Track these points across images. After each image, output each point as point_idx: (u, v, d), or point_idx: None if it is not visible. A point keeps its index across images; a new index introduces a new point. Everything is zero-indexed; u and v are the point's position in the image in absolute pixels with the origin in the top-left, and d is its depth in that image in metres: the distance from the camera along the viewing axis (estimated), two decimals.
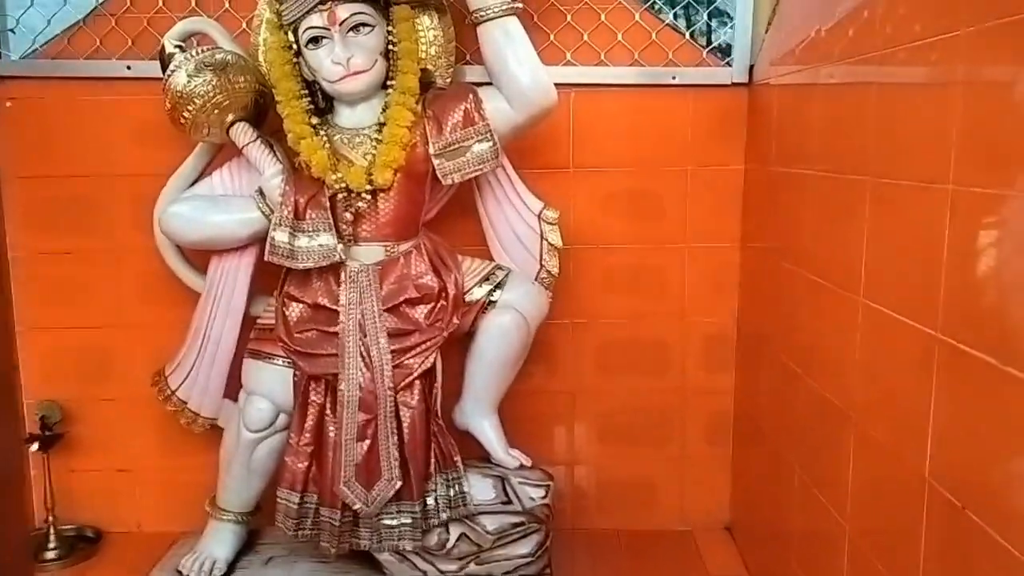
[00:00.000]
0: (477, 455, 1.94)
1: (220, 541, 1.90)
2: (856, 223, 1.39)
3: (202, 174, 1.91)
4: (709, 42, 2.09)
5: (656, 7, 2.05)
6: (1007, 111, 0.97)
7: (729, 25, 2.06)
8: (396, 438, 1.75)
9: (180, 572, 1.86)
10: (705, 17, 2.10)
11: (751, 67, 2.03)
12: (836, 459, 1.47)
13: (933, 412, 1.13)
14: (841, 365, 1.47)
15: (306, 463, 1.79)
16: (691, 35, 2.07)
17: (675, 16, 2.12)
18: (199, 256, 1.95)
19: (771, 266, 1.90)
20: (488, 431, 1.93)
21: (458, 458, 1.82)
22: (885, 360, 1.31)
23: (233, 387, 1.94)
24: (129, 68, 2.03)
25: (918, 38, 1.19)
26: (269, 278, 1.88)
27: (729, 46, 2.06)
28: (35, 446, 2.08)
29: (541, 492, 1.86)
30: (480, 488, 1.83)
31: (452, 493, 1.80)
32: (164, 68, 1.76)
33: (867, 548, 1.36)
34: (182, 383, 1.94)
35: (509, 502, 1.83)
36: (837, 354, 1.49)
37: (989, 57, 1.02)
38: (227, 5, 2.02)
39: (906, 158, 1.23)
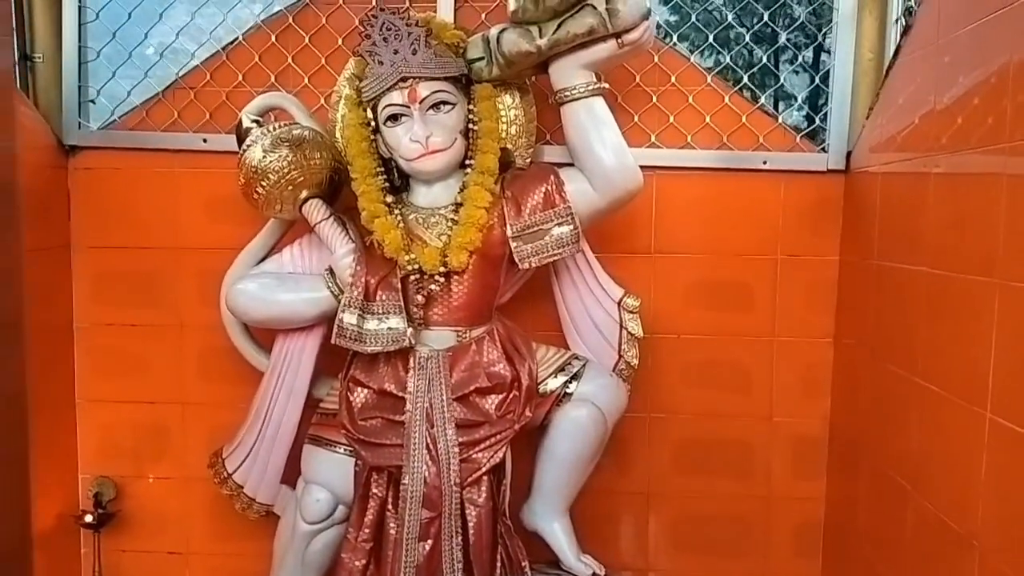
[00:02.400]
0: (546, 559, 1.81)
1: None
2: (982, 328, 1.25)
3: (272, 250, 1.86)
4: (802, 128, 1.99)
5: (747, 90, 1.97)
6: None
7: (823, 111, 1.96)
8: (460, 539, 1.64)
9: None
10: (799, 101, 2.00)
11: (848, 154, 1.92)
12: None
13: None
14: (962, 485, 1.31)
15: (364, 561, 1.68)
16: (785, 118, 1.98)
17: (774, 101, 2.03)
18: (264, 334, 1.89)
19: (871, 366, 1.75)
20: (559, 534, 1.79)
21: (526, 563, 1.70)
22: (1018, 484, 1.15)
23: (292, 473, 1.85)
24: (205, 141, 2.02)
25: None
26: (335, 359, 1.81)
27: (819, 131, 1.96)
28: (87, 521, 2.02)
29: None
30: None
31: None
32: (240, 142, 1.74)
33: None
34: (240, 466, 1.86)
35: None
36: (957, 472, 1.33)
37: None
38: (306, 81, 2.00)
39: None
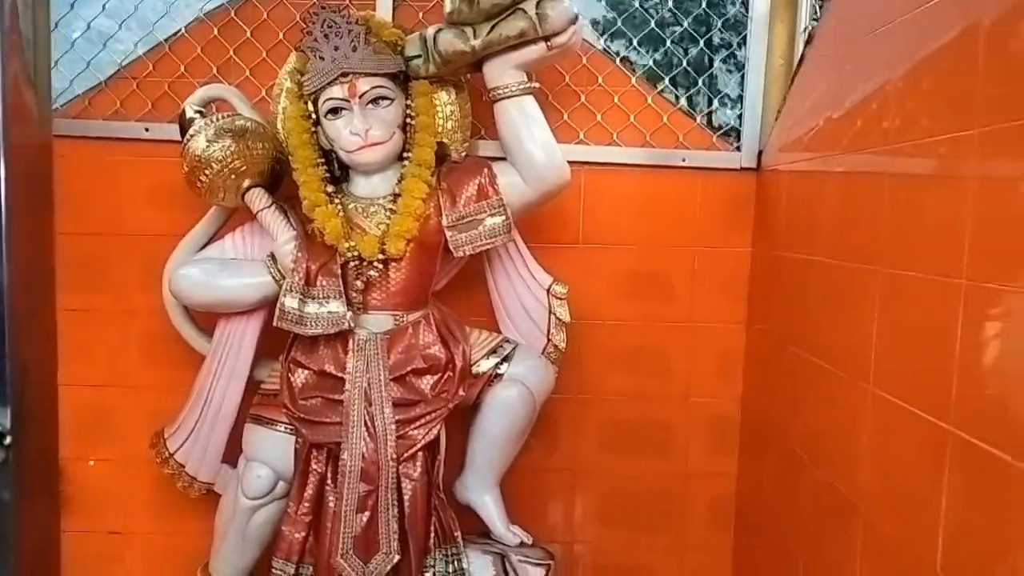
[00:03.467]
0: (478, 530, 1.91)
1: None
2: (866, 312, 1.40)
3: (214, 237, 1.92)
4: (714, 129, 2.13)
5: (668, 91, 2.10)
6: (1021, 209, 0.99)
7: (738, 111, 2.10)
8: (396, 510, 1.73)
9: None
10: (716, 103, 2.14)
11: (760, 153, 2.06)
12: (843, 550, 1.45)
13: (945, 506, 1.13)
14: (849, 454, 1.46)
15: (303, 533, 1.76)
16: (702, 119, 2.11)
17: (688, 101, 2.16)
18: (206, 318, 1.95)
19: (777, 349, 1.90)
20: (490, 506, 1.90)
21: (458, 533, 1.79)
22: (896, 451, 1.30)
23: (232, 452, 1.91)
24: (147, 130, 2.06)
25: (929, 133, 1.22)
26: (275, 342, 1.88)
27: (739, 131, 2.10)
28: None
29: (541, 571, 1.83)
30: (479, 565, 1.80)
31: (451, 569, 1.77)
32: (183, 132, 1.79)
33: None
34: (181, 446, 1.92)
35: None
36: (845, 443, 1.48)
37: (1001, 155, 1.04)
38: (247, 73, 2.06)
39: (918, 251, 1.25)
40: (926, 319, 1.20)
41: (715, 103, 2.21)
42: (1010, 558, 0.99)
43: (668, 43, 2.11)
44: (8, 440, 0.76)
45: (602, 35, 2.17)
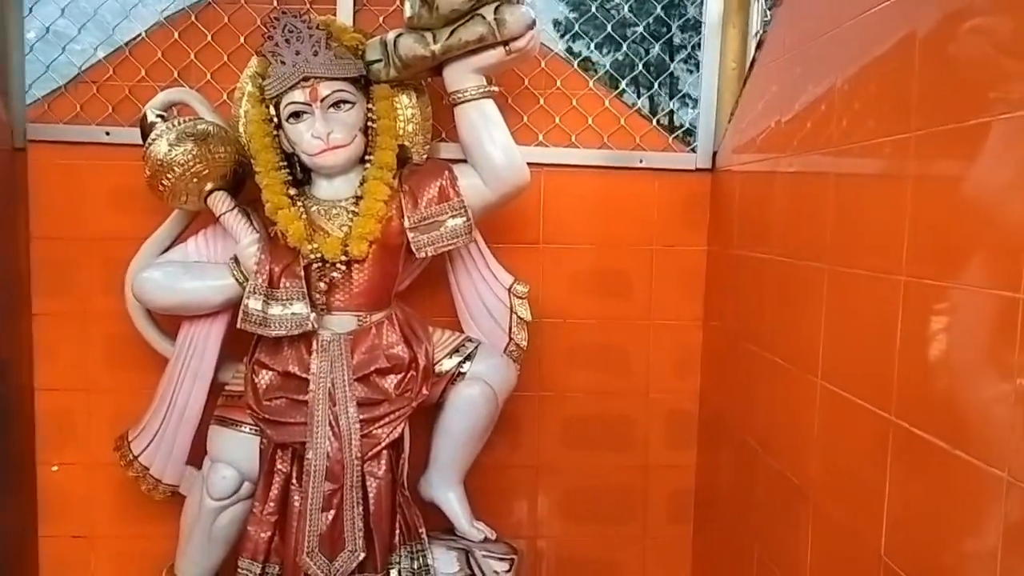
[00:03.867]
0: (442, 527, 1.94)
1: None
2: (814, 307, 1.45)
3: (177, 240, 1.93)
4: (675, 128, 2.19)
5: (627, 93, 2.15)
6: (955, 209, 1.05)
7: (695, 113, 2.16)
8: (361, 508, 1.75)
9: None
10: (672, 105, 2.19)
11: (714, 154, 2.12)
12: (794, 537, 1.51)
13: (888, 492, 1.18)
14: (799, 444, 1.51)
15: (269, 532, 1.78)
16: (658, 122, 2.16)
17: (650, 101, 2.22)
18: (169, 321, 1.95)
19: (731, 345, 1.96)
20: (453, 503, 1.93)
21: (423, 530, 1.82)
22: (842, 441, 1.36)
23: (197, 454, 1.92)
24: (108, 134, 2.06)
25: (873, 135, 1.28)
26: (239, 345, 1.89)
27: (694, 132, 2.16)
28: None
29: (505, 566, 1.86)
30: (444, 561, 1.83)
31: (416, 565, 1.80)
32: (145, 136, 1.80)
33: None
34: (145, 448, 1.92)
35: (473, 575, 1.83)
36: (795, 433, 1.54)
37: (938, 157, 1.10)
38: (208, 77, 2.07)
39: (861, 248, 1.30)
40: (869, 314, 1.26)
41: (674, 103, 2.25)
42: (949, 541, 1.04)
43: (626, 44, 2.16)
44: None
45: (563, 36, 2.21)
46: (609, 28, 2.14)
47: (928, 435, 1.08)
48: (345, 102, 1.78)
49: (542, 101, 2.11)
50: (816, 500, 1.44)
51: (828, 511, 1.39)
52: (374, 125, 1.83)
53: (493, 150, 1.81)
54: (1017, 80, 0.93)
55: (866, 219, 1.30)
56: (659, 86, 2.20)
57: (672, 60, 2.20)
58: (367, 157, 1.83)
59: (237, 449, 1.81)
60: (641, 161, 2.13)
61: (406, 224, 1.81)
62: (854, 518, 1.29)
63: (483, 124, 1.81)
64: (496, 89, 1.83)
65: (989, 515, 0.94)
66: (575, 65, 2.14)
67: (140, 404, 1.97)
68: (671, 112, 2.25)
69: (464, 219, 1.81)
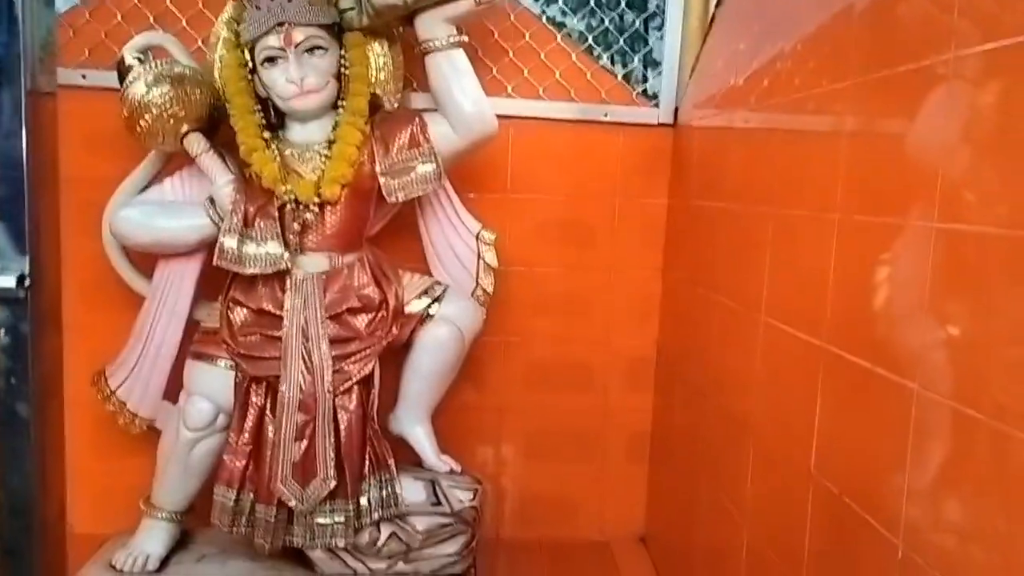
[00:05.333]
0: (410, 460, 2.03)
1: (154, 538, 1.94)
2: (760, 250, 1.55)
3: (153, 181, 1.98)
4: (638, 83, 2.26)
5: (593, 50, 2.22)
6: (882, 151, 1.14)
7: (658, 70, 2.24)
8: (333, 439, 1.83)
9: (113, 566, 1.89)
10: (636, 62, 2.26)
11: (676, 109, 2.20)
12: (737, 465, 1.62)
13: (819, 413, 1.28)
14: (744, 381, 1.62)
15: (244, 461, 1.85)
16: (624, 78, 2.24)
17: (611, 60, 2.29)
18: (145, 261, 2.01)
19: (688, 293, 2.06)
20: (421, 437, 2.02)
21: (392, 461, 1.90)
22: (780, 372, 1.46)
23: (173, 389, 1.99)
24: (84, 77, 2.09)
25: (817, 87, 1.37)
26: (214, 284, 1.96)
27: (657, 88, 2.24)
28: None
29: (470, 495, 1.96)
30: (411, 490, 1.92)
31: (384, 494, 1.89)
32: (122, 79, 1.84)
33: (762, 543, 1.50)
34: (123, 383, 1.99)
35: (439, 504, 1.92)
36: (741, 371, 1.64)
37: (870, 105, 1.19)
38: (184, 23, 2.10)
39: (802, 191, 1.40)
40: (807, 251, 1.35)
41: (636, 61, 2.32)
42: (868, 450, 1.14)
43: (594, 4, 2.23)
44: (28, 282, 0.87)
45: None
46: None
47: (853, 356, 1.18)
48: (319, 48, 1.83)
49: (511, 54, 2.17)
50: (756, 430, 1.54)
51: (766, 436, 1.50)
52: (347, 72, 1.88)
53: (463, 99, 1.88)
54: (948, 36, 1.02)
55: (808, 164, 1.39)
56: (625, 44, 2.26)
57: (647, 27, 2.27)
58: (340, 103, 1.89)
59: (213, 382, 1.88)
60: (606, 115, 2.21)
61: (377, 169, 1.87)
62: (788, 441, 1.39)
63: (453, 73, 1.88)
64: (466, 39, 1.90)
65: (901, 423, 1.04)
66: (543, 20, 2.20)
67: (116, 342, 2.02)
68: (631, 72, 2.31)
69: (434, 166, 1.88)
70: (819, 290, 1.28)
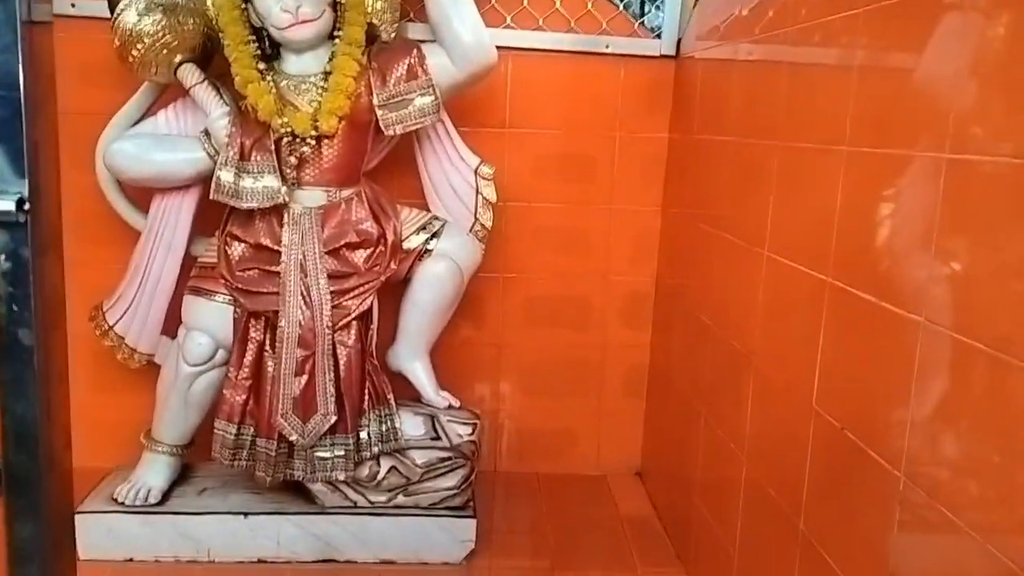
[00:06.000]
0: (409, 396, 2.04)
1: (155, 471, 1.95)
2: (765, 184, 1.53)
3: (147, 113, 1.94)
4: (643, 14, 2.21)
5: None
6: (892, 82, 1.12)
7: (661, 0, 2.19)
8: (333, 374, 1.84)
9: (115, 499, 1.91)
10: None
11: (679, 41, 2.16)
12: (737, 400, 1.63)
13: (821, 347, 1.29)
14: (746, 315, 1.62)
15: (244, 396, 1.86)
16: (626, 8, 2.19)
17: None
18: (140, 195, 1.98)
19: (689, 229, 2.04)
20: (420, 372, 2.03)
21: (391, 396, 1.92)
22: (783, 306, 1.46)
23: (171, 324, 1.99)
24: (74, 6, 2.03)
25: (822, 14, 1.33)
26: (210, 219, 1.93)
27: (659, 17, 2.19)
28: None
29: (468, 429, 1.98)
30: (411, 424, 1.93)
31: (384, 428, 1.90)
32: (112, 7, 1.79)
33: (761, 476, 1.52)
34: (120, 318, 1.98)
35: (438, 438, 1.94)
36: (743, 304, 1.64)
37: (880, 36, 1.16)
38: None
39: (809, 123, 1.38)
40: (814, 184, 1.34)
41: None
42: (872, 384, 1.15)
43: None
44: (27, 206, 0.85)
45: None
46: None
47: (859, 291, 1.18)
48: None
49: None
50: (757, 363, 1.55)
51: (767, 371, 1.51)
52: (343, 1, 1.83)
53: (461, 28, 1.84)
54: None
55: (816, 98, 1.36)
56: None
57: None
58: (336, 33, 1.84)
59: (212, 317, 1.87)
60: (607, 47, 2.17)
61: (375, 101, 1.84)
62: (790, 374, 1.40)
63: (451, 3, 1.84)
64: None
65: (905, 357, 1.05)
66: None
67: (113, 277, 2.01)
68: (642, 6, 2.26)
69: (432, 98, 1.85)
70: (825, 224, 1.27)
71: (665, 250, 2.26)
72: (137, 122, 1.93)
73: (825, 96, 1.32)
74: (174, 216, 1.93)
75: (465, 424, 1.98)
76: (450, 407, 2.02)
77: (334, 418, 1.83)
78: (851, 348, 1.21)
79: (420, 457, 1.90)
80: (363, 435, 1.88)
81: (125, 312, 1.98)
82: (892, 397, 1.09)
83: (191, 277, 1.93)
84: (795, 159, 1.42)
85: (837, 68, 1.29)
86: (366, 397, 1.88)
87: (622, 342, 2.35)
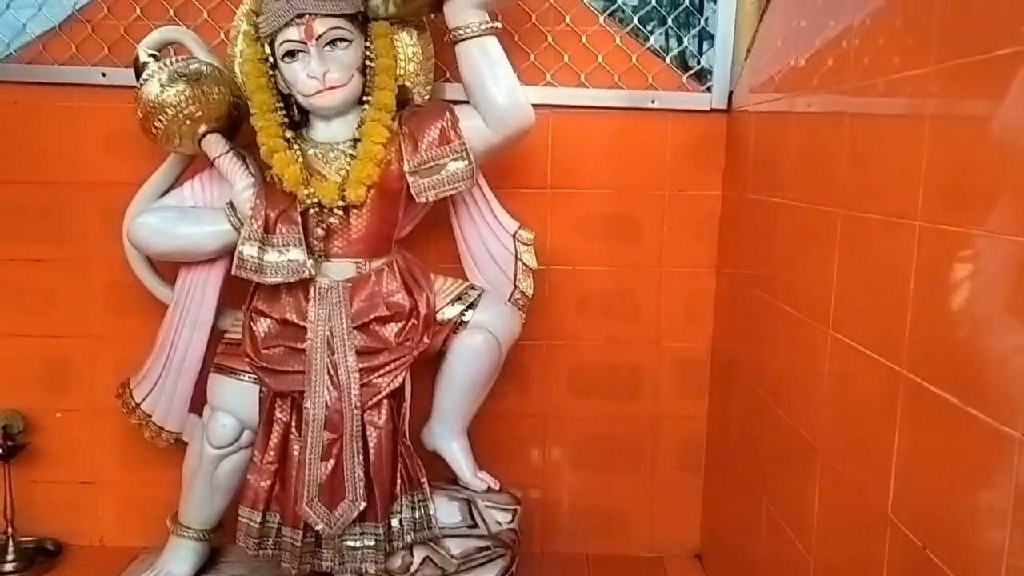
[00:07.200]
0: (445, 477, 1.92)
1: (180, 558, 1.87)
2: (827, 254, 1.38)
3: (173, 185, 1.89)
4: (688, 67, 2.09)
5: (638, 31, 2.05)
6: (973, 149, 0.97)
7: (709, 49, 2.06)
8: (361, 458, 1.73)
9: None
10: (686, 43, 2.08)
11: (730, 94, 2.03)
12: (802, 491, 1.46)
13: (897, 449, 1.12)
14: (809, 396, 1.46)
15: (269, 481, 1.76)
16: (672, 59, 2.07)
17: (665, 36, 2.11)
18: (168, 267, 1.92)
19: (745, 293, 1.89)
20: (456, 453, 1.90)
21: (424, 480, 1.80)
22: (852, 393, 1.30)
23: (199, 401, 1.91)
24: (104, 75, 2.01)
25: (893, 71, 1.19)
26: (238, 291, 1.86)
27: (710, 70, 2.06)
28: None
29: (508, 516, 1.84)
30: (446, 511, 1.81)
31: (417, 515, 1.78)
32: (138, 77, 1.75)
33: None
34: (147, 396, 1.91)
35: (475, 526, 1.81)
36: (805, 385, 1.48)
37: (958, 93, 1.02)
38: (206, 15, 2.00)
39: (876, 192, 1.23)
40: (882, 261, 1.19)
41: (689, 40, 2.13)
42: (958, 501, 0.99)
43: None
44: None
45: None
46: None
47: (939, 390, 1.02)
48: (342, 40, 1.71)
49: (550, 39, 2.02)
50: (824, 454, 1.39)
51: (836, 466, 1.34)
52: (372, 64, 1.75)
53: (496, 90, 1.74)
54: None
55: (881, 161, 1.22)
56: (675, 24, 2.08)
57: (703, 5, 2.09)
58: (365, 98, 1.76)
59: (236, 397, 1.79)
60: (654, 102, 2.04)
61: (406, 168, 1.75)
62: (862, 474, 1.23)
63: (485, 63, 1.73)
64: (499, 26, 1.75)
65: (999, 475, 0.88)
66: (585, 0, 2.04)
67: (142, 350, 1.95)
68: (685, 52, 2.13)
69: (466, 162, 1.75)
70: (898, 308, 1.12)
71: (721, 314, 2.11)
72: (164, 194, 1.87)
73: (893, 156, 1.17)
74: (200, 290, 1.86)
75: (505, 510, 1.85)
76: (489, 490, 1.89)
77: (363, 505, 1.72)
78: (933, 454, 1.04)
79: (456, 547, 1.77)
80: (395, 523, 1.76)
81: (152, 389, 1.91)
82: (984, 519, 0.92)
83: (216, 355, 1.85)
84: (860, 230, 1.27)
85: (906, 124, 1.14)
86: (398, 481, 1.77)
87: (676, 413, 2.19)
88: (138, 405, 1.92)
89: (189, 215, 1.81)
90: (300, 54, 1.70)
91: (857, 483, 1.25)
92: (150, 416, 1.92)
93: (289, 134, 1.75)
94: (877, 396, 1.18)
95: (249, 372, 1.78)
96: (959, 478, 0.98)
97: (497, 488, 1.91)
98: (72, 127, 2.03)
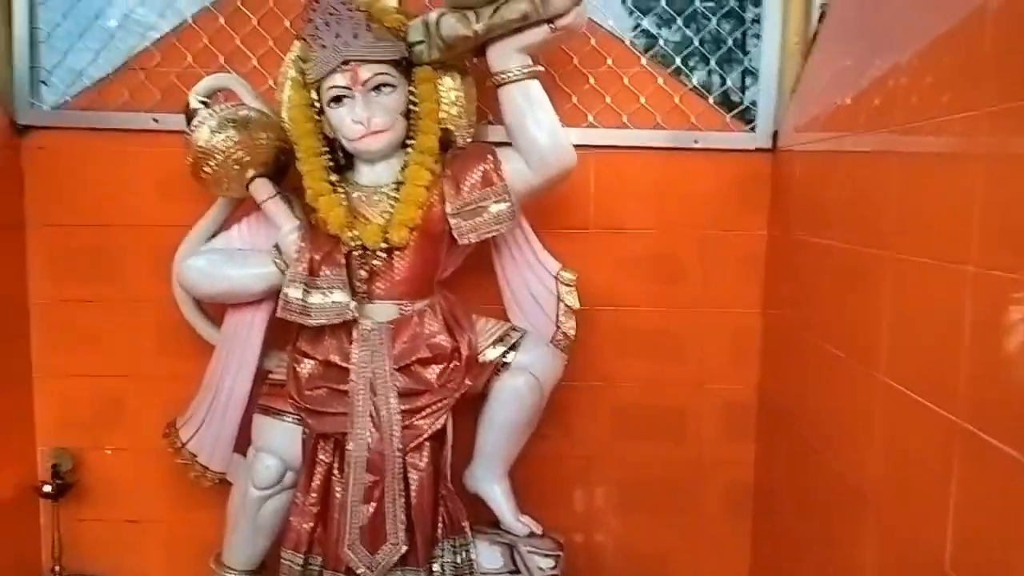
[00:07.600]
0: (487, 520, 1.90)
1: None
2: (876, 297, 1.35)
3: (221, 228, 1.92)
4: (732, 104, 2.07)
5: (680, 71, 2.05)
6: None
7: (752, 88, 2.05)
8: (403, 501, 1.72)
9: None
10: (729, 81, 2.08)
11: (775, 133, 2.01)
12: (853, 541, 1.42)
13: (954, 501, 1.09)
14: (859, 443, 1.42)
15: (311, 524, 1.76)
16: (715, 97, 2.06)
17: (708, 74, 2.11)
18: (217, 309, 1.95)
19: (791, 335, 1.86)
20: (498, 496, 1.88)
21: (466, 523, 1.78)
22: (905, 442, 1.26)
23: (244, 442, 1.92)
24: (156, 121, 2.06)
25: (943, 111, 1.17)
26: (284, 332, 1.87)
27: (753, 108, 2.05)
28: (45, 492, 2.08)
29: (551, 562, 1.81)
30: (488, 556, 1.79)
31: (459, 560, 1.76)
32: (189, 123, 1.79)
33: None
34: (193, 436, 1.93)
35: (517, 571, 1.78)
36: (855, 432, 1.44)
37: (1012, 130, 0.99)
38: (255, 62, 2.05)
39: (927, 235, 1.20)
40: (935, 307, 1.16)
41: (732, 80, 2.12)
42: (1018, 557, 0.95)
43: (681, 20, 2.06)
44: None
45: (631, 14, 2.12)
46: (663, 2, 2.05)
47: (998, 442, 0.98)
48: (387, 85, 1.73)
49: (592, 80, 2.03)
50: (876, 505, 1.34)
51: (889, 517, 1.30)
52: (416, 108, 1.77)
53: (538, 133, 1.74)
54: None
55: (932, 204, 1.19)
56: (717, 63, 2.08)
57: (737, 35, 2.09)
58: (409, 142, 1.78)
59: (280, 438, 1.80)
60: (696, 141, 2.04)
61: (448, 210, 1.76)
62: (917, 527, 1.19)
63: (527, 106, 1.74)
64: (541, 69, 1.76)
65: None
66: (627, 42, 2.05)
67: (189, 390, 1.97)
68: (728, 91, 2.12)
69: (508, 204, 1.75)
70: (951, 355, 1.09)
71: (767, 357, 2.07)
72: (212, 236, 1.90)
73: (944, 198, 1.15)
74: (246, 331, 1.88)
75: (547, 556, 1.82)
76: (532, 535, 1.86)
77: (404, 548, 1.71)
78: (992, 509, 1.01)
79: None
80: (436, 567, 1.75)
81: (197, 430, 1.93)
82: None
83: (261, 395, 1.87)
84: (911, 275, 1.24)
85: (957, 165, 1.12)
86: (439, 525, 1.76)
87: (721, 456, 2.15)
88: (184, 444, 1.94)
89: (236, 257, 1.84)
90: (346, 99, 1.73)
91: (912, 536, 1.21)
92: (196, 456, 1.94)
93: (334, 178, 1.77)
94: (932, 445, 1.14)
95: (292, 413, 1.79)
96: (1022, 533, 0.94)
97: (540, 533, 1.88)
98: (125, 171, 2.08)
